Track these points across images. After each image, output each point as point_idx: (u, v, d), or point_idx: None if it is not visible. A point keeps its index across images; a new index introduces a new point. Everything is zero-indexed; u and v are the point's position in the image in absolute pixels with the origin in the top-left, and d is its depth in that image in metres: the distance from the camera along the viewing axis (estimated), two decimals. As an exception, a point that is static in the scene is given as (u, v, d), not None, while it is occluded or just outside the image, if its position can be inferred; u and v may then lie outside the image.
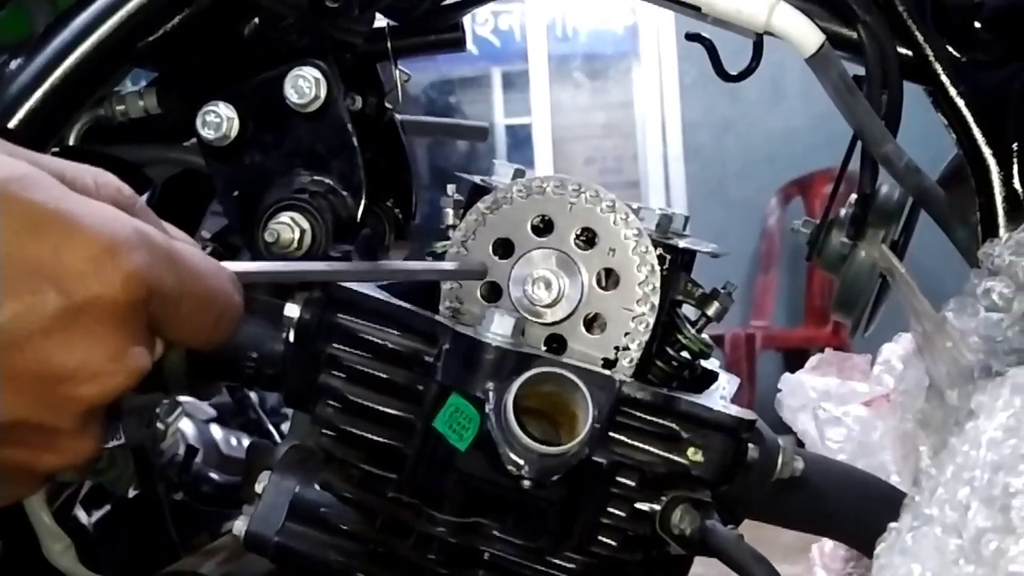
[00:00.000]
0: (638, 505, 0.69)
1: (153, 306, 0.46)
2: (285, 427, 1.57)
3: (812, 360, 1.26)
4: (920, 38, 0.74)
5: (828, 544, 1.29)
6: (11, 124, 0.73)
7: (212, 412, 1.56)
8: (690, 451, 0.69)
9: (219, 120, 0.76)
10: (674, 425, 0.69)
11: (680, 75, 5.53)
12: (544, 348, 0.70)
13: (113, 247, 0.45)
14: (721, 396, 0.74)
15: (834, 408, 1.16)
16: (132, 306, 0.45)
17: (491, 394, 0.66)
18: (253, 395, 1.67)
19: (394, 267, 0.67)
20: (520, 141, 5.88)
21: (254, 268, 0.54)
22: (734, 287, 0.77)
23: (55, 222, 0.44)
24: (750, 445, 0.72)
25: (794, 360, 4.80)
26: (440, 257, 0.73)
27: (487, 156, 5.14)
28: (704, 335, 0.76)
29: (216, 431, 1.52)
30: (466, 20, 0.89)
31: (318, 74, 0.75)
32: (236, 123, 0.77)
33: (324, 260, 0.68)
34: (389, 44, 0.84)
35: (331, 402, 0.70)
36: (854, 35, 0.74)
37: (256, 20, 0.77)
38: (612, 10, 5.81)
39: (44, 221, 0.44)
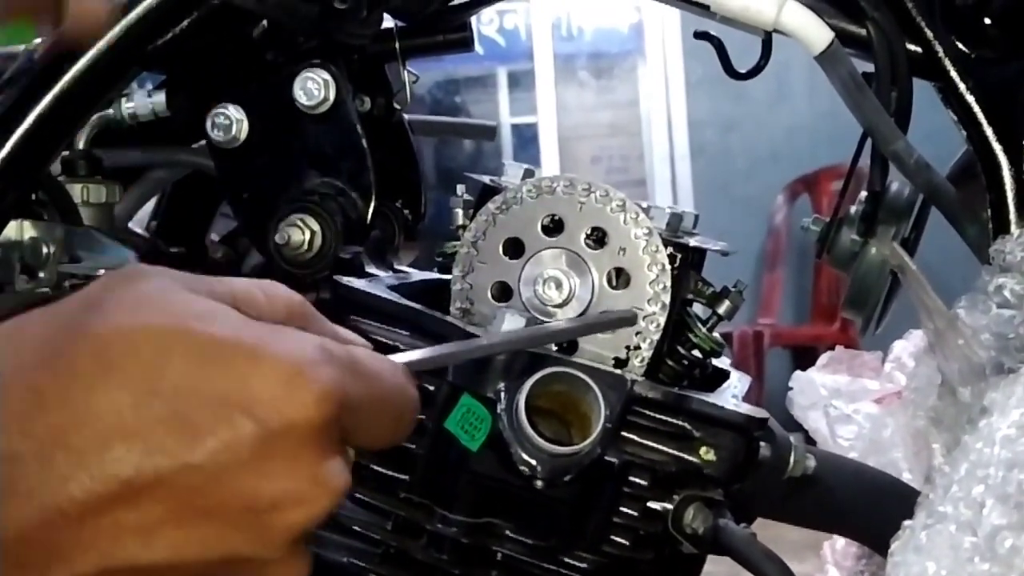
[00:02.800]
0: (650, 504, 0.69)
1: (344, 418, 0.45)
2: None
3: (823, 358, 1.26)
4: (929, 35, 0.73)
5: (840, 542, 1.28)
6: (22, 128, 0.73)
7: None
8: (702, 450, 0.69)
9: (228, 122, 0.77)
10: (686, 424, 0.69)
11: (686, 73, 5.53)
12: (555, 348, 0.70)
13: (300, 368, 0.44)
14: (732, 395, 0.74)
15: (845, 406, 1.16)
16: (327, 424, 0.44)
17: (503, 394, 0.66)
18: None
19: (553, 330, 0.66)
20: (526, 140, 5.88)
21: (420, 356, 0.53)
22: (744, 285, 0.77)
23: (239, 352, 0.44)
24: (762, 443, 0.72)
25: (802, 357, 4.80)
26: (451, 258, 0.73)
27: (493, 156, 5.14)
28: (715, 333, 0.76)
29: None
30: (472, 20, 0.89)
31: (327, 76, 0.75)
32: (245, 125, 0.77)
33: (471, 335, 0.67)
34: (397, 45, 0.84)
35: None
36: (863, 32, 0.73)
37: (265, 23, 0.77)
38: (617, 9, 5.81)
39: (228, 353, 0.44)
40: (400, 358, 0.51)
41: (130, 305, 0.44)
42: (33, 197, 0.78)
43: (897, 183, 0.80)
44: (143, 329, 0.43)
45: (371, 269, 0.78)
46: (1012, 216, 0.72)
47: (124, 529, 0.43)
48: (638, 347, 0.70)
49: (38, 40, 0.82)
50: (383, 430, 0.49)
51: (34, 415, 0.42)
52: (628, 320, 0.68)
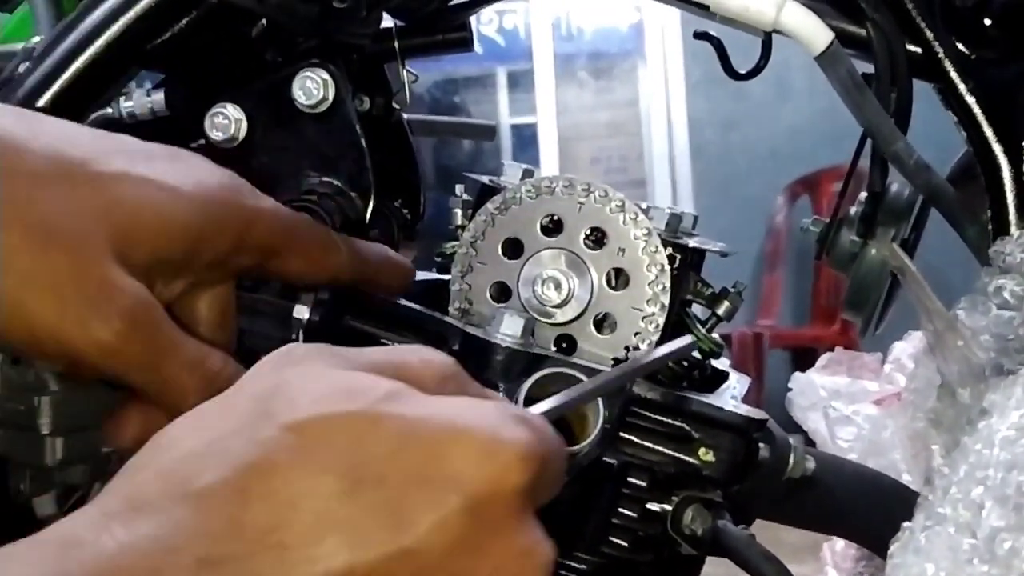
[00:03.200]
0: (649, 505, 0.69)
1: (537, 477, 0.45)
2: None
3: (822, 359, 1.26)
4: (929, 35, 0.73)
5: (839, 543, 1.29)
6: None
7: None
8: (701, 451, 0.69)
9: (227, 122, 0.76)
10: (685, 425, 0.69)
11: (686, 73, 5.53)
12: (554, 348, 0.70)
13: (496, 436, 0.44)
14: (732, 396, 0.74)
15: (844, 407, 1.16)
16: (530, 484, 0.44)
17: (501, 395, 0.66)
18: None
19: (643, 362, 0.65)
20: (525, 140, 5.88)
21: (550, 405, 0.54)
22: (743, 286, 0.77)
23: (434, 430, 0.43)
24: (761, 445, 0.71)
25: (802, 359, 4.81)
26: (450, 258, 0.73)
27: (492, 156, 5.15)
28: (714, 334, 0.76)
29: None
30: (472, 19, 0.89)
31: (326, 75, 0.75)
32: (244, 124, 0.77)
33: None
34: (396, 44, 0.84)
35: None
36: (863, 33, 0.73)
37: (264, 22, 0.77)
38: (617, 9, 5.81)
39: (423, 432, 0.43)
40: (535, 410, 0.51)
41: (312, 392, 0.44)
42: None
43: (897, 184, 0.80)
44: (340, 416, 0.43)
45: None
46: (1012, 217, 0.72)
47: None
48: (637, 348, 0.70)
49: (36, 38, 0.82)
50: (556, 484, 0.49)
51: (240, 516, 0.41)
52: (690, 347, 0.67)
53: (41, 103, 0.74)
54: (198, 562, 0.40)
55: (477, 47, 0.89)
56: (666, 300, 0.69)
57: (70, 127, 0.59)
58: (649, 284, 0.69)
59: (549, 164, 5.64)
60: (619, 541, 0.70)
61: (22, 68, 0.76)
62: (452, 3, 0.84)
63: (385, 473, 0.42)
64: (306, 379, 0.45)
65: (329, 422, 0.43)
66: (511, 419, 0.45)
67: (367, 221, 0.77)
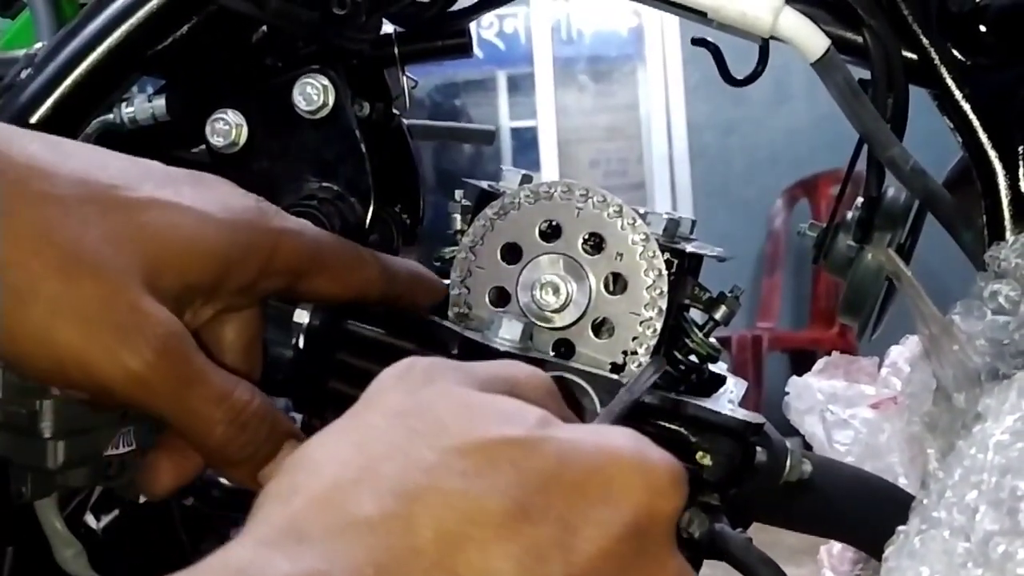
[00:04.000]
0: (647, 509, 0.69)
1: None
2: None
3: (819, 363, 1.27)
4: (925, 42, 0.74)
5: (836, 546, 1.29)
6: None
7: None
8: (698, 455, 0.69)
9: (228, 127, 0.77)
10: (682, 429, 0.70)
11: (685, 77, 5.54)
12: (552, 353, 0.70)
13: (646, 459, 0.44)
14: (729, 400, 0.74)
15: (841, 411, 1.17)
16: (680, 509, 0.45)
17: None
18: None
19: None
20: (525, 144, 5.89)
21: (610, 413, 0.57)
22: (741, 291, 0.77)
23: (588, 452, 0.44)
24: (758, 448, 0.72)
25: (801, 362, 4.81)
26: (449, 263, 0.73)
27: (492, 159, 5.15)
28: (711, 339, 0.76)
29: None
30: (471, 24, 0.89)
31: (326, 81, 0.75)
32: (245, 130, 0.77)
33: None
34: (396, 50, 0.84)
35: (340, 408, 0.70)
36: (859, 39, 0.74)
37: (264, 28, 0.77)
38: (617, 13, 5.82)
39: (579, 455, 0.44)
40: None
41: (463, 415, 0.44)
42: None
43: (893, 189, 0.80)
44: (498, 441, 0.43)
45: (369, 274, 0.79)
46: (1007, 222, 0.73)
47: None
48: (635, 352, 0.70)
49: (38, 45, 0.82)
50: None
51: (408, 545, 0.40)
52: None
53: (43, 109, 0.75)
54: None
55: (477, 51, 0.89)
56: (664, 305, 0.70)
57: (97, 152, 0.59)
58: (647, 289, 0.70)
59: (549, 167, 5.65)
60: (617, 544, 0.70)
61: (24, 74, 0.77)
62: (452, 9, 0.84)
63: (551, 495, 0.42)
64: (448, 400, 0.45)
65: (492, 445, 0.42)
66: (647, 443, 0.46)
67: (367, 226, 0.78)
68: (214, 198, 0.59)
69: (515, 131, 5.95)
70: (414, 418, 0.44)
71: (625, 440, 0.45)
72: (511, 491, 0.41)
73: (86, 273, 0.52)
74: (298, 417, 0.77)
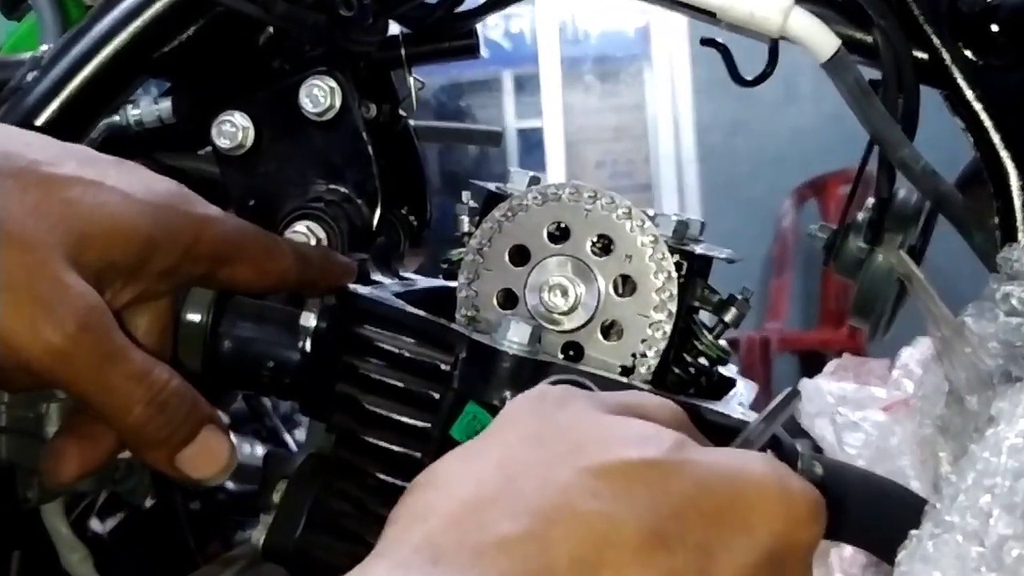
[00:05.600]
0: (656, 513, 0.69)
1: None
2: (296, 433, 1.57)
3: (830, 365, 1.26)
4: (936, 42, 0.73)
5: (847, 550, 1.28)
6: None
7: (226, 419, 1.56)
8: (708, 458, 0.69)
9: (234, 129, 0.77)
10: (692, 432, 0.69)
11: (692, 77, 5.53)
12: (561, 356, 0.70)
13: (787, 487, 0.44)
14: (739, 403, 0.74)
15: (852, 413, 1.16)
16: (818, 540, 0.45)
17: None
18: (266, 402, 1.67)
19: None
20: (531, 144, 5.88)
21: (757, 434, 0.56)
22: (750, 293, 0.77)
23: (728, 477, 0.44)
24: (769, 451, 0.71)
25: (810, 363, 4.80)
26: (456, 265, 0.73)
27: (498, 160, 5.14)
28: (721, 341, 0.76)
29: (231, 439, 1.52)
30: (478, 25, 0.89)
31: (333, 83, 0.75)
32: (251, 132, 0.77)
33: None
34: (403, 52, 0.84)
35: (347, 411, 0.70)
36: (869, 39, 0.73)
37: (271, 30, 0.77)
38: (623, 12, 5.81)
39: (718, 479, 0.43)
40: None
41: (600, 437, 0.44)
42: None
43: (904, 190, 0.80)
44: (636, 463, 0.42)
45: (377, 276, 0.78)
46: (1019, 224, 0.72)
47: None
48: (644, 355, 0.69)
49: (44, 47, 0.82)
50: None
51: (545, 565, 0.39)
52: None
53: (49, 112, 0.75)
54: None
55: (483, 51, 0.89)
56: (673, 307, 0.69)
57: (20, 130, 0.59)
58: (656, 291, 0.69)
59: (555, 168, 5.64)
60: (626, 548, 0.69)
61: (30, 77, 0.77)
62: (458, 10, 0.84)
63: (688, 520, 0.41)
64: (584, 423, 0.45)
65: (629, 468, 0.42)
66: (787, 471, 0.46)
67: (374, 228, 0.77)
68: (138, 180, 0.59)
69: (521, 132, 5.94)
70: (551, 440, 0.44)
71: (765, 467, 0.45)
72: (648, 515, 0.41)
73: (8, 243, 0.52)
74: (307, 422, 0.77)
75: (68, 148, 0.59)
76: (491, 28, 5.61)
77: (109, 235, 0.56)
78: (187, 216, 0.60)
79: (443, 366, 0.68)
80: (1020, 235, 0.71)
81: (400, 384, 0.69)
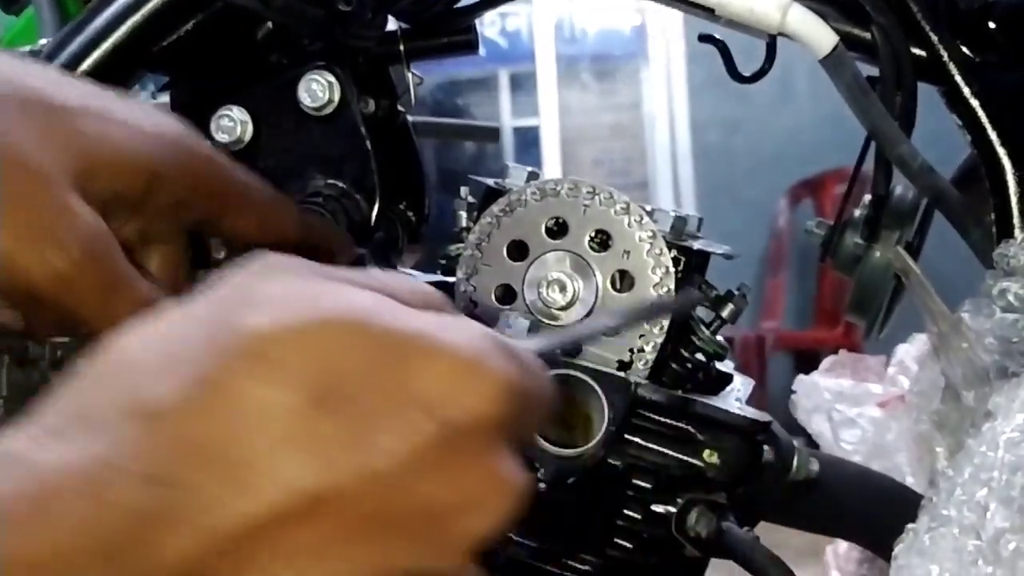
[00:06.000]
0: (654, 507, 0.69)
1: (517, 411, 0.41)
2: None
3: (826, 362, 1.26)
4: (934, 39, 0.73)
5: (843, 545, 1.29)
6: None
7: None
8: (706, 453, 0.69)
9: (233, 124, 0.77)
10: (689, 427, 0.69)
11: (688, 75, 5.53)
12: (560, 352, 0.70)
13: (476, 359, 0.40)
14: (736, 398, 0.74)
15: (848, 409, 1.16)
16: (506, 417, 0.40)
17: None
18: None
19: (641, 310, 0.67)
20: (528, 143, 5.88)
21: (546, 343, 0.51)
22: (748, 289, 0.77)
23: (412, 345, 0.40)
24: (765, 447, 0.72)
25: (805, 361, 4.81)
26: (455, 260, 0.73)
27: (495, 158, 5.15)
28: (718, 337, 0.76)
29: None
30: (476, 22, 0.89)
31: (331, 78, 0.75)
32: (250, 127, 0.77)
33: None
34: (402, 47, 0.84)
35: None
36: (868, 36, 0.73)
37: (269, 24, 0.77)
38: (620, 11, 5.81)
39: (404, 346, 0.39)
40: (529, 346, 0.47)
41: (284, 298, 0.40)
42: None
43: (901, 187, 0.80)
44: (306, 324, 0.39)
45: (374, 271, 0.78)
46: (1016, 220, 0.72)
47: (297, 549, 0.38)
48: (642, 350, 0.70)
49: (43, 40, 0.82)
50: (539, 423, 0.45)
51: (194, 432, 0.37)
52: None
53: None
54: (145, 480, 0.36)
55: (480, 49, 0.89)
56: (671, 302, 0.70)
57: (20, 61, 0.59)
58: (654, 287, 0.69)
59: (552, 166, 5.64)
60: (624, 543, 0.70)
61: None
62: (457, 6, 0.84)
63: (356, 389, 0.38)
64: (277, 285, 0.41)
65: (297, 330, 0.39)
66: (498, 348, 0.41)
67: (372, 224, 0.77)
68: (145, 114, 0.58)
69: (517, 130, 5.94)
70: (235, 304, 0.40)
71: (465, 338, 0.41)
72: (309, 380, 0.38)
73: (15, 168, 0.51)
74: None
75: (72, 80, 0.59)
76: (487, 26, 5.61)
77: (116, 165, 0.55)
78: (195, 153, 0.59)
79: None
80: (1017, 231, 0.72)
81: (398, 378, 0.69)
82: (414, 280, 0.46)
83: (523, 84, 5.93)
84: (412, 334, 0.40)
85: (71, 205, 0.53)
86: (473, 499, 0.40)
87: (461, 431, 0.39)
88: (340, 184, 0.77)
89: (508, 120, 5.94)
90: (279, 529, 0.37)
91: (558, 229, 0.71)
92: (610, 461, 0.68)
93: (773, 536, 0.78)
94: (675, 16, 5.04)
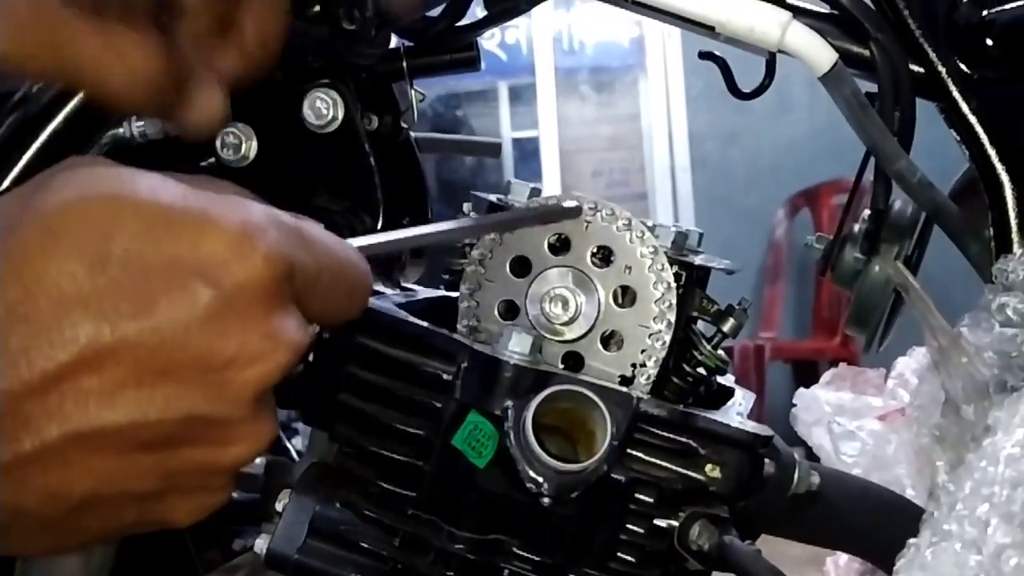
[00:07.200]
0: (656, 521, 0.70)
1: (295, 283, 0.47)
2: (296, 441, 1.57)
3: (826, 375, 1.27)
4: (932, 55, 0.74)
5: (843, 558, 1.29)
6: (34, 146, 0.74)
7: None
8: (708, 467, 0.70)
9: (238, 141, 0.77)
10: (691, 441, 0.70)
11: (686, 87, 5.55)
12: (561, 365, 0.70)
13: (247, 230, 0.46)
14: (737, 412, 0.74)
15: (848, 422, 1.17)
16: (277, 283, 0.46)
17: (509, 412, 0.66)
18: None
19: (498, 219, 0.69)
20: (527, 154, 5.89)
21: (372, 240, 0.56)
22: (748, 303, 0.78)
23: (187, 217, 0.45)
24: (766, 460, 0.72)
25: (803, 371, 4.81)
26: (458, 275, 0.73)
27: (494, 170, 5.15)
28: (719, 351, 0.76)
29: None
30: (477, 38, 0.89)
31: (335, 95, 0.76)
32: (255, 144, 0.77)
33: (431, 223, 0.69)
34: (405, 64, 0.84)
35: (350, 420, 0.70)
36: (867, 53, 0.74)
37: (274, 42, 0.77)
38: (618, 23, 5.83)
39: (177, 218, 0.45)
40: (351, 242, 0.53)
41: (77, 182, 0.46)
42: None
43: (900, 201, 0.81)
44: (90, 199, 0.45)
45: (378, 286, 0.79)
46: (1014, 235, 0.73)
47: (86, 393, 0.44)
48: (644, 365, 0.70)
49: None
50: (336, 302, 0.51)
51: None
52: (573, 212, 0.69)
53: (56, 122, 0.75)
54: None
55: (481, 65, 0.89)
56: (672, 317, 0.70)
57: None
58: (656, 302, 0.70)
59: (551, 178, 5.65)
60: (627, 557, 0.70)
61: (35, 88, 0.77)
62: (459, 24, 0.84)
63: (134, 254, 0.44)
64: (76, 174, 0.47)
65: (83, 204, 0.45)
66: (274, 222, 0.47)
67: (376, 239, 0.78)
68: None
69: (517, 141, 5.95)
70: (36, 190, 0.46)
71: (238, 212, 0.47)
72: (90, 248, 0.44)
73: None
74: (309, 431, 0.77)
75: None
76: (487, 39, 5.61)
77: None
78: None
79: (445, 376, 0.69)
80: (1015, 246, 0.72)
81: (402, 394, 0.70)
82: (225, 183, 0.52)
83: (522, 96, 5.94)
84: (186, 208, 0.46)
85: None
86: (248, 353, 0.46)
87: (233, 294, 0.45)
88: (344, 200, 0.78)
89: (507, 132, 5.95)
90: (69, 377, 0.44)
91: (560, 245, 0.71)
92: (613, 475, 0.68)
93: (773, 547, 0.78)
94: (673, 29, 5.05)
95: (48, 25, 0.54)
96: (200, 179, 0.50)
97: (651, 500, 0.69)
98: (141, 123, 0.81)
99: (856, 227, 0.82)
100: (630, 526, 0.70)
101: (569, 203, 0.69)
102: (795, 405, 1.21)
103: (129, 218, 0.45)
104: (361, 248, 0.53)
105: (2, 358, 0.43)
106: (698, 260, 0.74)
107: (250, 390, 0.46)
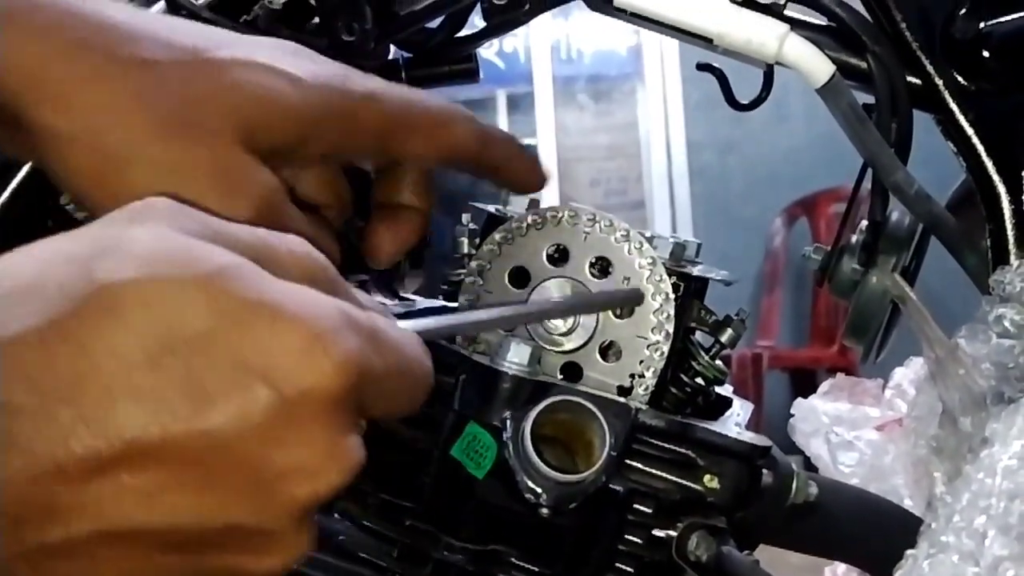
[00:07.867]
0: (655, 532, 0.70)
1: (362, 389, 0.43)
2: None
3: (824, 385, 1.27)
4: (929, 67, 0.74)
5: (841, 567, 1.29)
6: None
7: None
8: (706, 478, 0.70)
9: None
10: (690, 452, 0.70)
11: (684, 96, 5.55)
12: (560, 376, 0.70)
13: (321, 334, 0.42)
14: (735, 422, 0.75)
15: (846, 432, 1.17)
16: (345, 394, 0.42)
17: (508, 422, 0.66)
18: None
19: (565, 305, 0.69)
20: (525, 163, 5.87)
21: (432, 325, 0.53)
22: (746, 313, 0.78)
23: (260, 312, 0.41)
24: (765, 471, 0.72)
25: (801, 380, 4.81)
26: (457, 286, 0.74)
27: (492, 179, 5.14)
28: (717, 362, 0.76)
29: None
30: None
31: (335, 106, 0.76)
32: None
33: (488, 308, 0.69)
34: (404, 76, 0.85)
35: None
36: (864, 65, 0.74)
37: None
38: (616, 32, 5.84)
39: (248, 312, 0.41)
40: (409, 325, 0.49)
41: (145, 252, 0.42)
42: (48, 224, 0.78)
43: (897, 212, 0.81)
44: (158, 282, 0.41)
45: (377, 297, 0.79)
46: (1011, 246, 0.73)
47: (124, 491, 0.40)
48: (642, 375, 0.70)
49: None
50: (399, 402, 0.47)
51: (41, 367, 0.40)
52: (634, 299, 0.69)
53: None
54: None
55: (480, 77, 0.90)
56: (670, 328, 0.70)
57: (174, 18, 0.61)
58: (654, 312, 0.70)
59: (549, 187, 5.65)
60: (625, 567, 0.70)
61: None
62: (458, 35, 0.84)
63: (198, 347, 0.40)
64: (144, 237, 0.43)
65: (149, 286, 0.41)
66: (349, 324, 0.43)
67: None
68: (299, 62, 0.59)
69: (515, 150, 5.94)
70: (102, 251, 0.42)
71: (314, 311, 0.42)
72: (153, 334, 0.40)
73: (184, 134, 0.53)
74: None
75: (223, 32, 0.59)
76: (485, 48, 5.62)
77: (276, 118, 0.57)
78: (344, 95, 0.60)
79: (443, 386, 0.69)
80: (1012, 257, 0.72)
81: (401, 404, 0.70)
82: (298, 241, 0.47)
83: (520, 105, 5.94)
84: (261, 302, 0.42)
85: (244, 166, 0.55)
86: (303, 467, 0.42)
87: (297, 402, 0.41)
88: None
89: (505, 140, 5.95)
90: (109, 471, 0.40)
91: (559, 256, 0.71)
92: (611, 486, 0.68)
93: (772, 556, 0.79)
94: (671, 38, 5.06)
95: None
96: (278, 245, 0.46)
97: (649, 511, 0.70)
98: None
99: (853, 238, 0.82)
100: (628, 537, 0.70)
101: (631, 288, 0.69)
102: (793, 415, 1.22)
103: (199, 308, 0.41)
104: (421, 333, 0.48)
105: (44, 439, 0.39)
106: (696, 271, 0.74)
107: (297, 506, 0.42)
